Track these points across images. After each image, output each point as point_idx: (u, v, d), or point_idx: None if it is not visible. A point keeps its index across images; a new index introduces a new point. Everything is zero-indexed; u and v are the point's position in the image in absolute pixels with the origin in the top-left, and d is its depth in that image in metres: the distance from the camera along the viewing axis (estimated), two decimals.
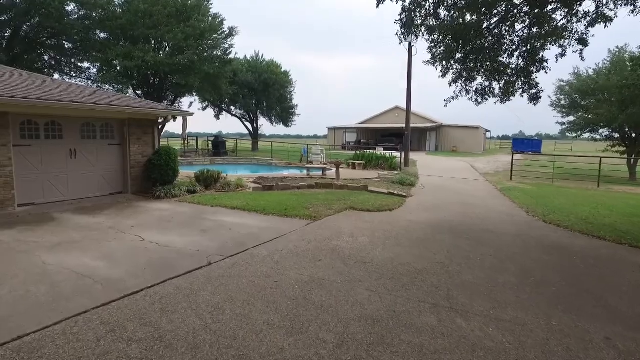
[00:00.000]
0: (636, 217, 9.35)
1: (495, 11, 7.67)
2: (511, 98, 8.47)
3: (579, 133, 22.11)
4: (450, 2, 7.42)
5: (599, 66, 20.93)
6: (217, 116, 39.83)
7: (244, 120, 40.52)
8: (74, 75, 26.73)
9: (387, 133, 43.56)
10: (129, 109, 9.97)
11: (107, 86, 25.16)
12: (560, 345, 3.50)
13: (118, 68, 24.59)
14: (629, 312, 4.22)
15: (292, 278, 4.91)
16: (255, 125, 40.25)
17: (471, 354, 3.30)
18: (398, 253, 6.05)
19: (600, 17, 7.20)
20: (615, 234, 7.49)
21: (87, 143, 9.90)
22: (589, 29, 7.59)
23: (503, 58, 8.07)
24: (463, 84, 8.27)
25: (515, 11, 7.62)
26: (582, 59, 8.01)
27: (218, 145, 25.63)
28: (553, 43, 8.01)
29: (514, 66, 8.15)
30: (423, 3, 7.53)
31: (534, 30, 7.89)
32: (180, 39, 22.94)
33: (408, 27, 7.48)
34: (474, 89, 8.32)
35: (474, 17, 7.67)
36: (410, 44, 20.97)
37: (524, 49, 8.14)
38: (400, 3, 7.74)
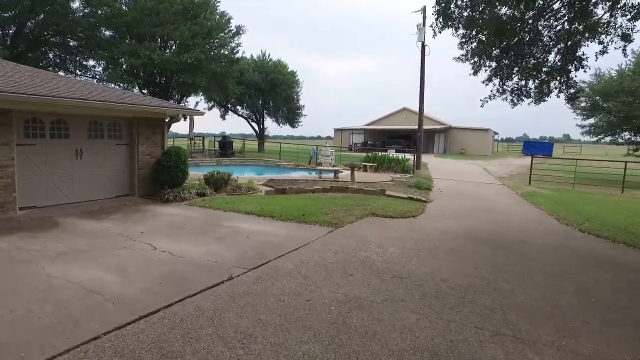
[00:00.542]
0: None
1: (533, 4, 7.11)
2: (546, 99, 7.93)
3: (601, 136, 21.48)
4: None
5: (622, 67, 20.34)
6: (222, 116, 39.38)
7: (250, 120, 40.04)
8: (79, 73, 26.33)
9: (395, 135, 43.01)
10: (138, 107, 9.47)
11: (113, 85, 24.72)
12: None
13: (124, 66, 24.15)
14: None
15: (326, 297, 4.38)
16: (261, 125, 39.77)
17: None
18: (436, 267, 5.50)
19: None
20: None
21: (93, 143, 9.39)
22: (634, 22, 7.04)
23: (540, 55, 7.52)
24: (500, 83, 7.72)
25: (555, 5, 7.07)
26: (625, 55, 7.47)
27: (225, 145, 25.13)
28: (593, 39, 7.46)
29: (550, 64, 7.60)
30: None
31: (575, 26, 7.35)
32: (187, 37, 22.47)
33: (446, 17, 6.92)
34: (509, 88, 7.77)
35: (510, 10, 7.14)
36: (423, 43, 20.44)
37: (562, 45, 7.59)
38: None
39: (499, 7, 6.84)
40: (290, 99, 38.19)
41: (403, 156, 19.38)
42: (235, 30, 27.00)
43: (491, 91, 7.77)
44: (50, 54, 25.76)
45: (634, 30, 7.15)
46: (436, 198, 11.59)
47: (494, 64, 7.59)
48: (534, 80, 7.67)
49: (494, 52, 7.42)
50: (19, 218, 7.56)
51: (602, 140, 22.55)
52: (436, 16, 7.09)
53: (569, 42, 7.33)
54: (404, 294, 4.51)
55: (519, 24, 6.89)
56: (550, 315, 4.12)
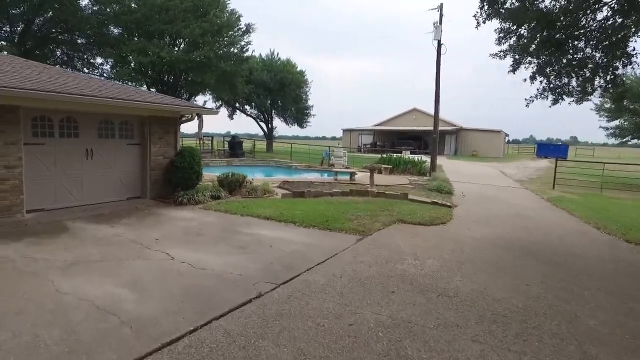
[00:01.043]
0: None
1: None
2: (589, 98, 7.36)
3: (627, 137, 20.78)
4: None
5: None
6: (230, 116, 38.94)
7: (258, 120, 39.58)
8: (86, 71, 25.98)
9: (405, 136, 42.36)
10: (152, 105, 9.00)
11: (120, 83, 24.37)
12: None
13: (132, 64, 23.76)
14: None
15: (370, 320, 3.85)
16: (269, 125, 39.28)
17: None
18: (483, 283, 4.96)
19: None
20: None
21: (104, 142, 8.94)
22: None
23: (585, 51, 6.95)
24: (546, 81, 7.15)
25: None
26: None
27: (234, 145, 24.68)
28: None
29: (595, 60, 7.02)
30: None
31: (623, 19, 6.76)
32: (197, 34, 22.04)
33: (492, 3, 6.34)
34: (550, 86, 7.19)
35: (554, 2, 6.57)
36: (439, 41, 19.85)
37: (608, 41, 7.00)
38: None
39: None
40: (299, 99, 37.67)
41: (420, 158, 18.79)
42: (245, 28, 26.56)
43: (537, 89, 7.21)
44: (57, 52, 25.47)
45: None
46: (460, 203, 11.03)
47: (534, 60, 7.03)
48: (577, 78, 7.10)
49: (534, 48, 6.85)
50: (26, 222, 7.11)
51: (629, 143, 21.82)
52: (481, 5, 6.54)
53: (617, 37, 6.75)
54: (458, 318, 3.97)
55: (563, 17, 6.33)
56: (635, 347, 3.56)
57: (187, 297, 4.19)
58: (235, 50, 26.11)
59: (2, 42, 23.24)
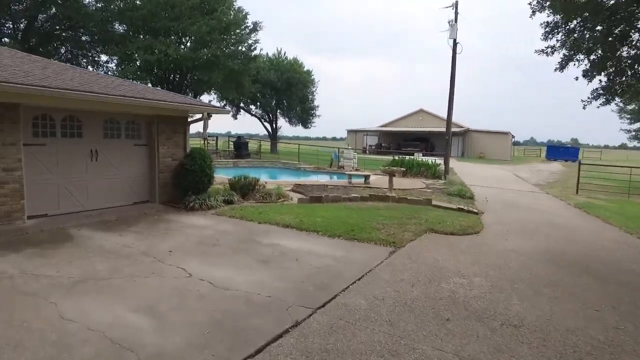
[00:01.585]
0: None
1: None
2: None
3: None
4: None
5: None
6: (234, 115, 38.38)
7: (263, 120, 39.00)
8: (91, 69, 25.43)
9: (410, 137, 41.71)
10: (161, 104, 8.40)
11: (129, 81, 23.81)
12: None
13: (138, 62, 23.20)
14: None
15: (433, 359, 3.24)
16: (274, 125, 38.70)
17: None
18: (547, 309, 4.34)
19: None
20: None
21: (110, 143, 8.35)
22: None
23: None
24: (606, 79, 6.54)
25: None
26: None
27: (240, 146, 24.07)
28: None
29: None
30: None
31: None
32: (204, 31, 21.47)
33: None
34: (608, 84, 6.58)
35: None
36: (455, 40, 19.22)
37: None
38: None
39: None
40: (305, 99, 37.10)
41: (434, 161, 18.17)
42: (252, 26, 26.00)
43: (599, 87, 6.59)
44: (62, 49, 24.93)
45: None
46: (486, 209, 10.40)
47: (584, 57, 6.42)
48: (632, 76, 6.48)
49: (588, 42, 6.23)
50: (27, 229, 6.51)
51: None
52: None
53: None
54: (536, 356, 3.35)
55: (625, 7, 5.72)
56: None
57: (213, 327, 3.58)
58: (243, 49, 25.55)
59: (5, 39, 22.70)
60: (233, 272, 5.02)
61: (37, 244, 5.76)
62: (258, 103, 37.15)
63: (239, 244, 6.23)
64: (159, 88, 24.97)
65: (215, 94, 31.07)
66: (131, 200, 8.81)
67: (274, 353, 3.22)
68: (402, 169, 17.51)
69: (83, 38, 24.17)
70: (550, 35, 6.44)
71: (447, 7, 18.84)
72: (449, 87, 19.59)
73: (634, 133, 20.18)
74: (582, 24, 6.03)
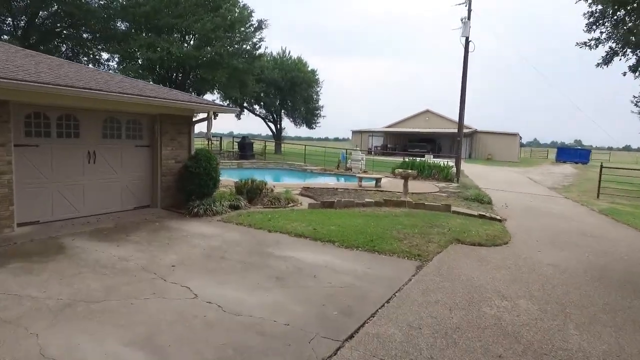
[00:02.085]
0: None
1: None
2: None
3: None
4: None
5: None
6: (238, 115, 37.74)
7: (267, 120, 38.39)
8: (92, 67, 24.92)
9: (417, 138, 41.04)
10: (165, 102, 7.81)
11: (129, 77, 23.27)
12: None
13: (140, 61, 22.65)
14: None
15: None
16: (278, 126, 38.08)
17: None
18: (612, 341, 3.72)
19: None
20: None
21: (109, 144, 7.77)
22: None
23: None
24: None
25: None
26: None
27: (245, 146, 23.49)
28: None
29: None
30: None
31: None
32: (208, 29, 20.89)
33: None
34: None
35: None
36: (467, 38, 18.56)
37: None
38: None
39: None
40: (309, 99, 36.45)
41: (446, 163, 17.53)
42: (257, 24, 25.41)
43: None
44: (63, 47, 24.40)
45: None
46: (509, 216, 9.77)
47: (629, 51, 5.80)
48: None
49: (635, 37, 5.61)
50: (15, 239, 5.93)
51: None
52: None
53: None
54: None
55: None
56: None
57: None
58: (248, 47, 24.97)
59: (5, 36, 22.20)
60: (244, 292, 4.42)
61: (24, 257, 5.18)
62: (262, 103, 36.54)
63: (249, 257, 5.63)
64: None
65: (218, 93, 30.48)
66: (131, 205, 8.23)
67: None
68: (413, 171, 16.91)
69: (84, 35, 23.63)
70: (594, 27, 5.83)
71: (459, 4, 18.17)
72: (460, 86, 18.93)
73: None
74: (631, 13, 5.44)
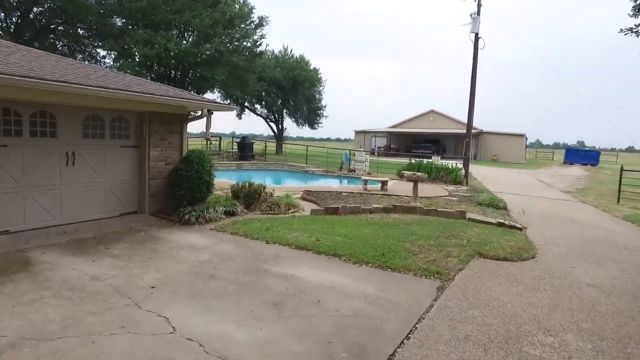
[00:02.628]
0: None
1: None
2: None
3: None
4: None
5: None
6: (239, 115, 37.04)
7: (268, 120, 37.64)
8: (87, 64, 24.21)
9: (421, 139, 40.25)
10: (153, 98, 7.05)
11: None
12: None
13: (137, 58, 21.92)
14: None
15: None
16: (280, 126, 37.33)
17: None
18: None
19: None
20: None
21: (91, 144, 7.02)
22: None
23: None
24: None
25: None
26: None
27: (244, 147, 22.73)
28: None
29: None
30: None
31: None
32: (207, 24, 20.14)
33: None
34: None
35: None
36: (477, 35, 17.78)
37: None
38: None
39: None
40: (312, 98, 35.69)
41: (455, 165, 16.74)
42: (258, 21, 24.67)
43: None
44: (58, 44, 23.69)
45: None
46: (528, 223, 8.97)
47: None
48: None
49: None
50: None
51: None
52: None
53: None
54: None
55: None
56: None
57: None
58: (248, 44, 24.22)
59: None
60: (233, 323, 3.66)
61: None
62: (263, 102, 35.80)
63: (243, 276, 4.86)
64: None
65: (219, 92, 29.76)
66: (117, 211, 7.48)
67: None
68: (420, 173, 16.13)
69: (80, 32, 22.93)
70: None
71: None
72: (469, 85, 18.16)
73: None
74: None
